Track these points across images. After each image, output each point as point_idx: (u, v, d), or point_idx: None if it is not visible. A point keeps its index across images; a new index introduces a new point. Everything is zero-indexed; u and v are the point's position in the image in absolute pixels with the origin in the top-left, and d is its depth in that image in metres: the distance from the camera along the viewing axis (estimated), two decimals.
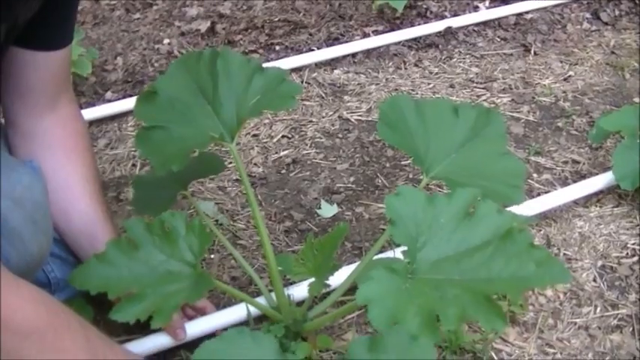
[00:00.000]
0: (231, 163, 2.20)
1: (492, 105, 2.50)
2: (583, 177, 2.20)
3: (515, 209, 1.73)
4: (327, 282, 1.58)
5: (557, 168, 2.25)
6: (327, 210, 2.09)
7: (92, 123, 2.38)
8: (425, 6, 3.00)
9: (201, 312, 1.73)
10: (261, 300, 1.72)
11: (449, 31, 2.86)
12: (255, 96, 1.72)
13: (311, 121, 2.43)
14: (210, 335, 1.61)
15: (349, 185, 2.18)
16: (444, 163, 1.75)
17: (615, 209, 2.10)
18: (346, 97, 2.54)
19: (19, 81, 1.62)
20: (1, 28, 1.40)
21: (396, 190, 1.45)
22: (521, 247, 1.39)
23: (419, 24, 2.91)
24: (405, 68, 2.70)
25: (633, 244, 1.99)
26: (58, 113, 1.69)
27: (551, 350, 1.73)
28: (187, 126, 1.69)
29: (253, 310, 1.69)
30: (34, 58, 1.60)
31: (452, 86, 2.60)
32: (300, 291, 1.74)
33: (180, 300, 1.45)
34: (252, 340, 1.29)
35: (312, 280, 1.61)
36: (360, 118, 2.44)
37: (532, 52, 2.80)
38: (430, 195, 1.47)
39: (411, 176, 2.20)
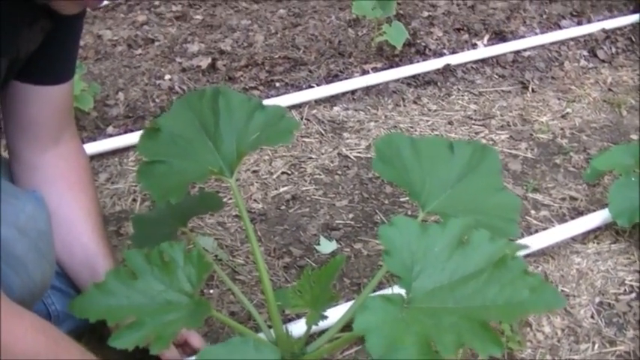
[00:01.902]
0: (230, 199, 2.21)
1: (490, 142, 2.52)
2: (580, 213, 2.21)
3: None
4: (325, 314, 1.58)
5: (555, 205, 2.26)
6: (326, 246, 2.09)
7: (93, 157, 2.39)
8: (424, 43, 3.04)
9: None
10: (260, 335, 1.72)
11: (447, 69, 2.89)
12: (256, 132, 1.74)
13: (310, 158, 2.45)
14: None
15: (348, 222, 2.19)
16: (440, 199, 1.76)
17: (613, 245, 2.11)
18: (345, 134, 2.56)
19: (21, 115, 1.63)
20: (2, 62, 1.42)
21: (390, 221, 1.47)
22: (515, 274, 1.40)
23: (418, 61, 2.95)
24: (404, 105, 2.72)
25: (631, 280, 2.00)
26: (61, 147, 1.70)
27: None
28: (188, 160, 1.71)
29: None
30: (36, 93, 1.61)
31: (450, 123, 2.62)
32: (298, 328, 1.74)
33: (179, 327, 1.45)
34: (254, 349, 1.29)
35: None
36: (359, 154, 2.46)
37: (530, 89, 2.83)
38: (424, 225, 1.49)
39: (409, 213, 2.21)
